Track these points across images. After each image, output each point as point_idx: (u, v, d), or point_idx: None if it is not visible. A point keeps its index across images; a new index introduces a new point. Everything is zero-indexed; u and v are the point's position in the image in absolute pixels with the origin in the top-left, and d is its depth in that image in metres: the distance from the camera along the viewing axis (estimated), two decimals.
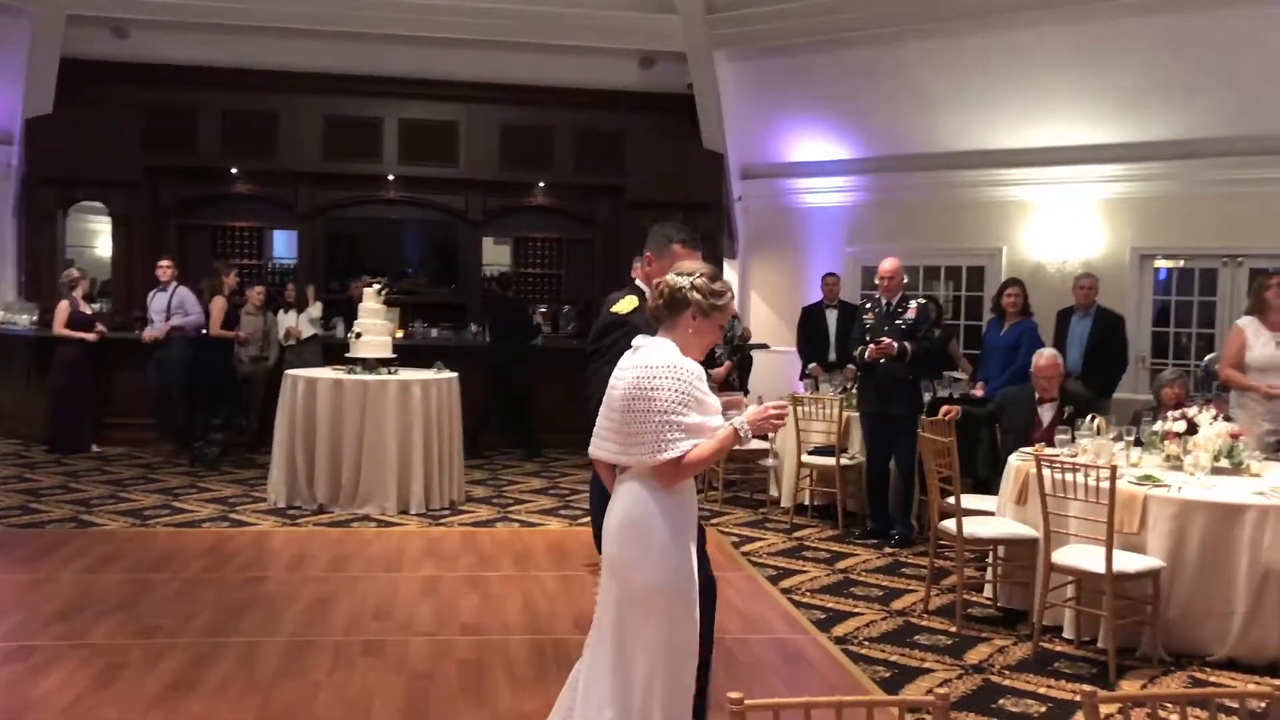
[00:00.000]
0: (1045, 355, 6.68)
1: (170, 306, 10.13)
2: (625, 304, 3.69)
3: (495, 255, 13.17)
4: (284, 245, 12.94)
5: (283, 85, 11.87)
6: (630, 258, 9.67)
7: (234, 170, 12.17)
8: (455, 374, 8.60)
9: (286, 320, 10.62)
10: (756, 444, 7.95)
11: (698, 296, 3.15)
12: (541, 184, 12.64)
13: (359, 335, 8.47)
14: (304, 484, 8.09)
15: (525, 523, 7.89)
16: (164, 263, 10.35)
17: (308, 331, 10.61)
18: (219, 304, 10.04)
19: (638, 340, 3.20)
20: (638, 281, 3.73)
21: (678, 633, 3.11)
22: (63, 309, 10.01)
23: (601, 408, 3.25)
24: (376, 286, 8.66)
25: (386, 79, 11.95)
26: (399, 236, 13.21)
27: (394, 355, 8.57)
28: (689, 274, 3.19)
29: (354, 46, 11.52)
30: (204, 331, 10.09)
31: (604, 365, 3.52)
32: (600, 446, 3.23)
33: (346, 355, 8.53)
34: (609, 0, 11.27)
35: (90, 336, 10.09)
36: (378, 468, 7.95)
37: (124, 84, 11.52)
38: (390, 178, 12.42)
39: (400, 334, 10.84)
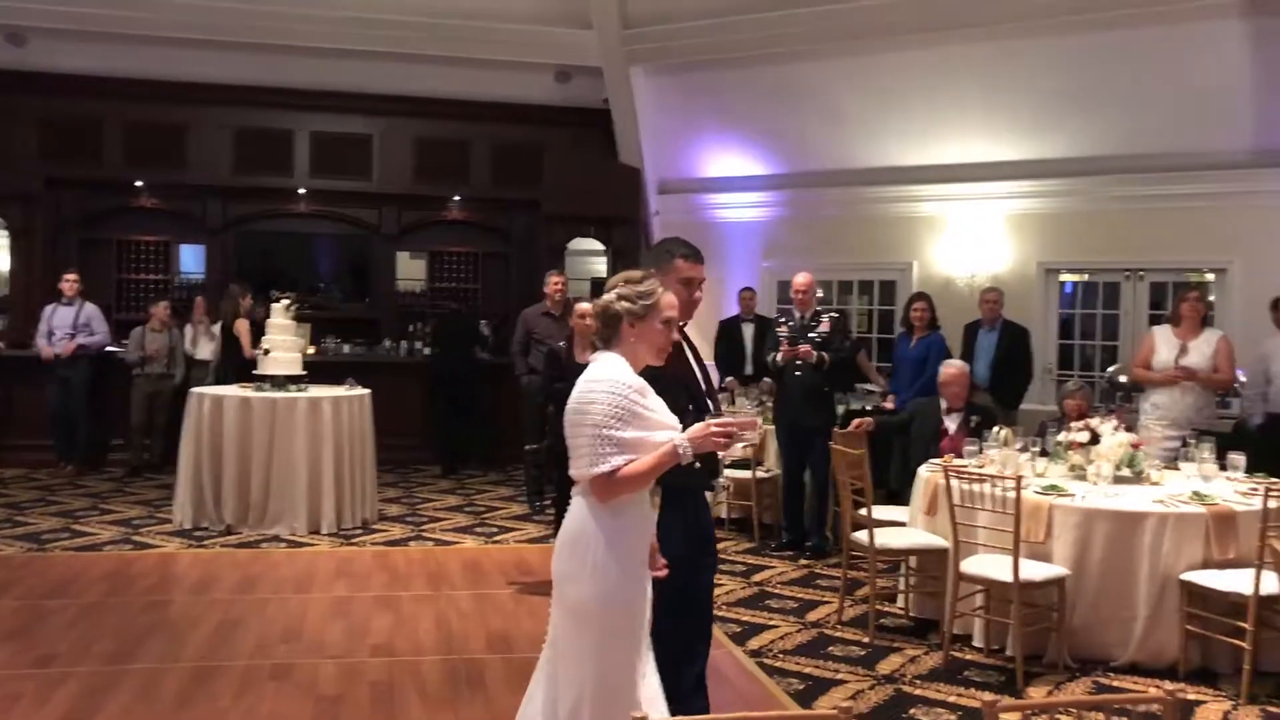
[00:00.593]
0: (952, 366, 6.84)
1: (76, 323, 9.84)
2: None
3: (410, 269, 13.01)
4: (192, 260, 12.62)
5: (191, 97, 11.60)
6: (546, 271, 9.72)
7: (139, 183, 11.85)
8: (368, 390, 8.48)
9: (202, 341, 10.37)
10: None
11: (625, 305, 3.12)
12: (457, 198, 12.54)
13: (267, 352, 8.30)
14: (211, 504, 7.90)
15: (440, 541, 7.79)
16: (70, 276, 10.07)
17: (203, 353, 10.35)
18: (243, 326, 9.53)
19: (593, 355, 3.18)
20: None
21: (609, 654, 3.05)
22: None
23: None
24: (285, 302, 8.50)
25: (298, 91, 11.75)
26: (311, 251, 12.98)
27: (304, 372, 8.42)
28: (610, 289, 3.17)
29: (265, 58, 11.31)
30: (110, 349, 9.88)
31: None
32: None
33: (254, 372, 8.36)
34: (524, 14, 11.23)
35: None
36: (287, 487, 7.79)
37: (22, 93, 11.14)
38: (302, 191, 12.21)
39: (311, 350, 10.66)
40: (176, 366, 10.22)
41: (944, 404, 6.76)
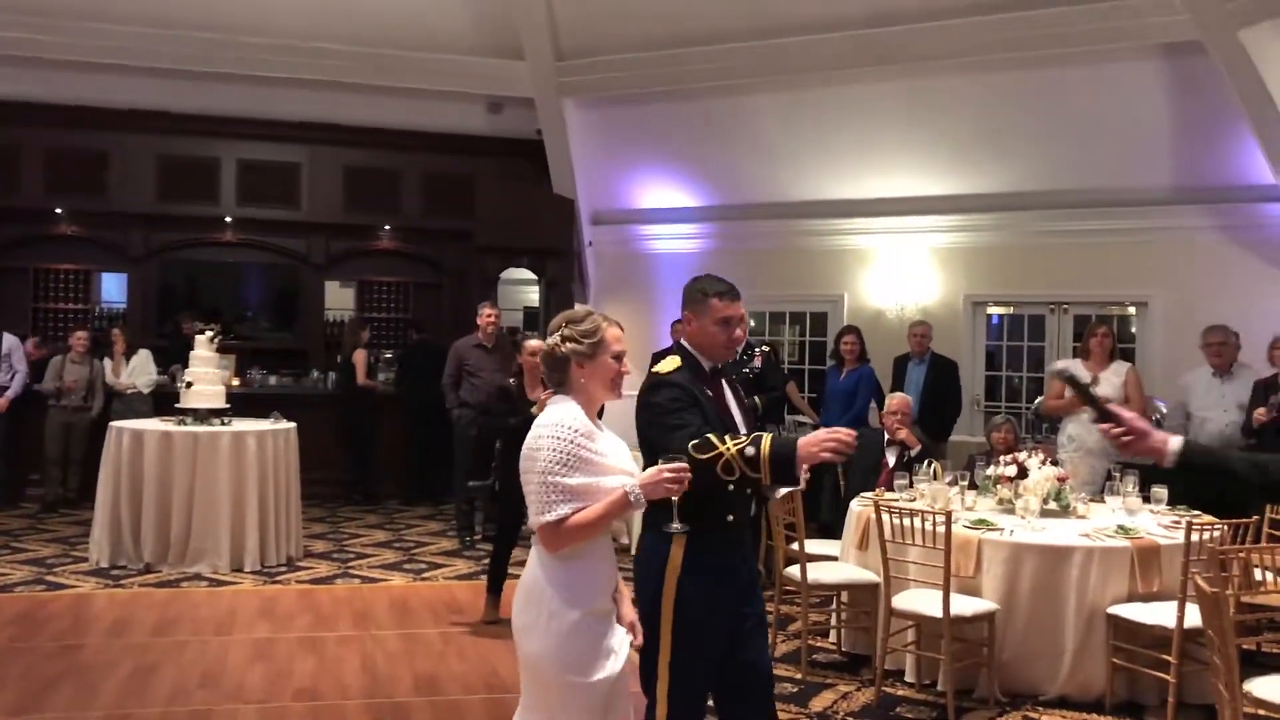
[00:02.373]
0: (897, 397, 6.93)
1: None
2: (667, 364, 3.42)
3: (339, 299, 12.83)
4: (114, 289, 12.32)
5: (114, 123, 11.38)
6: (478, 302, 9.63)
7: (59, 210, 11.56)
8: (293, 424, 8.30)
9: (124, 371, 10.08)
10: None
11: (572, 346, 3.04)
12: (388, 227, 12.41)
13: (190, 384, 8.09)
14: (129, 542, 7.66)
15: (366, 579, 7.63)
16: None
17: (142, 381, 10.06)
18: (361, 356, 10.59)
19: (546, 395, 3.08)
20: (682, 341, 3.56)
21: (561, 711, 2.93)
22: None
23: None
24: (209, 333, 8.31)
25: (225, 119, 11.58)
26: (236, 280, 12.73)
27: (228, 405, 8.22)
28: (553, 331, 3.10)
29: (191, 85, 11.10)
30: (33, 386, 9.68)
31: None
32: None
33: (177, 405, 8.15)
34: (456, 45, 11.17)
35: None
36: (209, 524, 7.58)
37: None
38: (228, 219, 12.00)
39: (236, 382, 10.43)
40: (95, 398, 9.92)
41: (886, 435, 6.81)
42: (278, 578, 7.54)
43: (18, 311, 11.25)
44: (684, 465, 2.95)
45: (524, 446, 2.98)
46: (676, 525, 3.05)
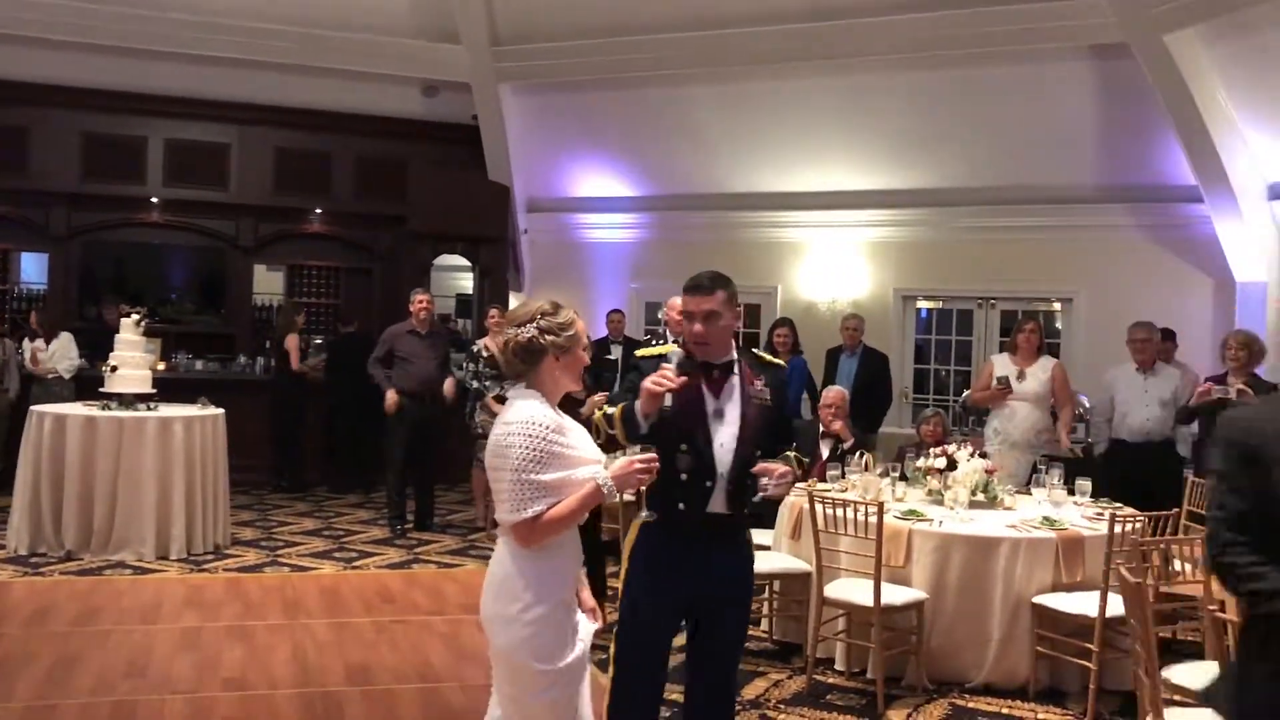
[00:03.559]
0: (834, 390, 7.04)
1: None
2: (652, 349, 3.60)
3: (268, 283, 12.61)
4: (34, 269, 11.98)
5: (35, 98, 11.07)
6: (410, 288, 9.52)
7: None
8: (221, 410, 8.16)
9: (41, 353, 9.77)
10: None
11: (551, 339, 3.02)
12: (319, 210, 12.23)
13: (114, 369, 7.91)
14: (50, 529, 7.47)
15: (296, 567, 7.53)
16: None
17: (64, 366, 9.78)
18: (293, 341, 10.30)
19: (510, 393, 3.07)
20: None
21: (530, 705, 2.96)
22: None
23: None
24: (135, 316, 8.13)
25: (153, 96, 11.32)
26: (162, 262, 12.44)
27: (153, 390, 8.06)
28: (529, 321, 3.03)
29: (118, 61, 10.83)
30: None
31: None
32: None
33: (101, 390, 7.96)
34: (392, 26, 11.05)
35: None
36: (134, 510, 7.42)
37: None
38: (154, 200, 11.73)
39: (162, 366, 10.21)
40: (11, 381, 9.64)
41: (821, 427, 6.90)
42: (205, 566, 7.41)
43: None
44: (654, 455, 3.04)
45: (491, 442, 2.98)
46: (645, 513, 3.31)
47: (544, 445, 2.90)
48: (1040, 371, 7.24)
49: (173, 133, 11.64)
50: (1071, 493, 6.07)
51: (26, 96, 11.03)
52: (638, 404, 3.26)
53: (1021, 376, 7.20)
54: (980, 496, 5.88)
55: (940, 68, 9.62)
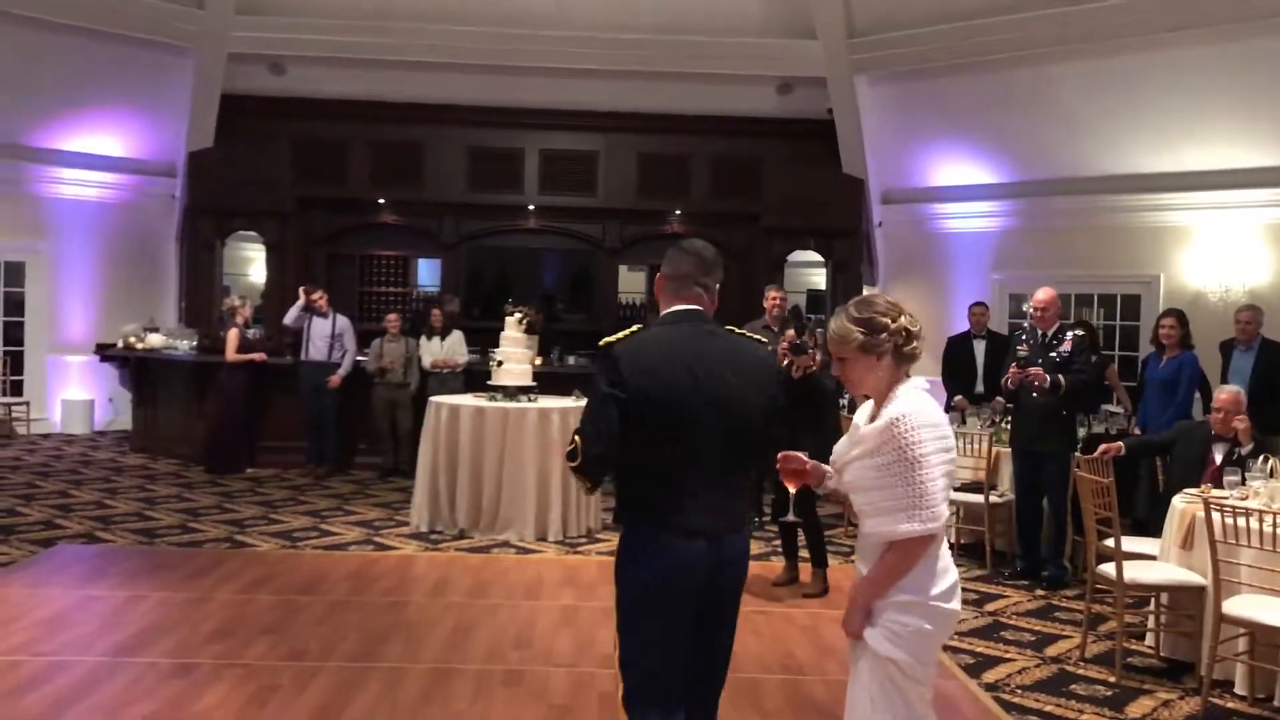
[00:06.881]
0: (1227, 391, 6.31)
1: (333, 333, 10.46)
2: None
3: (630, 283, 13.24)
4: (428, 273, 13.26)
5: (428, 117, 12.21)
6: (764, 285, 9.64)
7: (381, 201, 12.54)
8: None
9: (430, 347, 10.77)
10: None
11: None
12: (678, 211, 12.67)
13: (500, 363, 8.57)
14: (446, 509, 8.21)
15: None
16: (316, 295, 10.51)
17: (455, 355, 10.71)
18: (234, 335, 10.47)
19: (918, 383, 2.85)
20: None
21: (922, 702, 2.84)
22: (234, 336, 10.44)
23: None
24: (518, 315, 8.77)
25: (527, 110, 12.18)
26: (537, 265, 13.40)
27: (534, 383, 8.65)
28: (897, 316, 2.82)
29: (496, 79, 11.78)
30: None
31: None
32: None
33: (488, 383, 8.64)
34: (747, 27, 11.25)
35: (258, 357, 10.52)
36: (517, 494, 8.01)
37: (279, 118, 12.03)
38: (530, 207, 12.62)
39: (539, 361, 10.93)
40: (412, 375, 10.66)
41: (1212, 429, 6.26)
42: (578, 548, 7.87)
43: (348, 294, 12.28)
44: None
45: (885, 436, 2.71)
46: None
47: (951, 457, 2.83)
48: None
49: (545, 143, 12.46)
50: None
51: (422, 116, 12.18)
52: None
53: None
54: None
55: None
